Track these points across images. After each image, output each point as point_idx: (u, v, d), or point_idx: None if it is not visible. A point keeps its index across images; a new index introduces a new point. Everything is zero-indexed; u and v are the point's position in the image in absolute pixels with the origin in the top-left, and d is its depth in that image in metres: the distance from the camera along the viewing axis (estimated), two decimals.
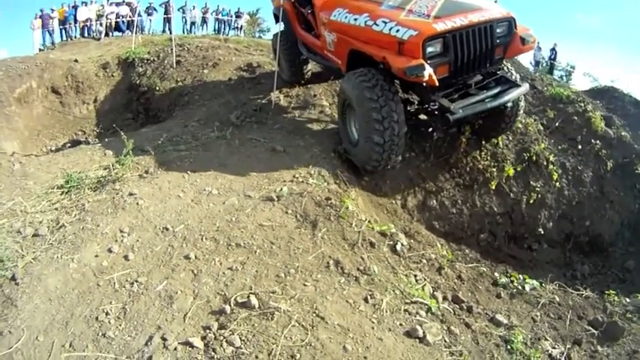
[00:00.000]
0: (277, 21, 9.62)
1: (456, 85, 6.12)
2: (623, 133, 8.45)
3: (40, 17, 17.88)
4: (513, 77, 6.66)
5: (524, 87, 6.35)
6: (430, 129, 6.61)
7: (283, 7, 9.04)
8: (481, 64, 5.96)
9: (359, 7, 6.34)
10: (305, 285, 3.81)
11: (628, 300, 4.75)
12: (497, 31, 5.87)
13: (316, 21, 7.63)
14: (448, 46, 5.50)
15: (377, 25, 5.79)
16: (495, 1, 6.63)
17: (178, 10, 21.91)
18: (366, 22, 5.99)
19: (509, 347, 3.70)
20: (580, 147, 7.92)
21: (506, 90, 6.12)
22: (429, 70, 5.19)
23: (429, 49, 5.40)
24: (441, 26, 5.42)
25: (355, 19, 6.20)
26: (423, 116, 6.67)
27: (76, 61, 14.02)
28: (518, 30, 6.05)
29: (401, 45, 5.43)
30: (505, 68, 6.81)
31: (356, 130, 6.41)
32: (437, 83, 5.37)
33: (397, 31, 5.50)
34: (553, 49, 20.19)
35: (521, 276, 4.97)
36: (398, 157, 6.16)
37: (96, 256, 4.16)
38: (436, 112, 6.19)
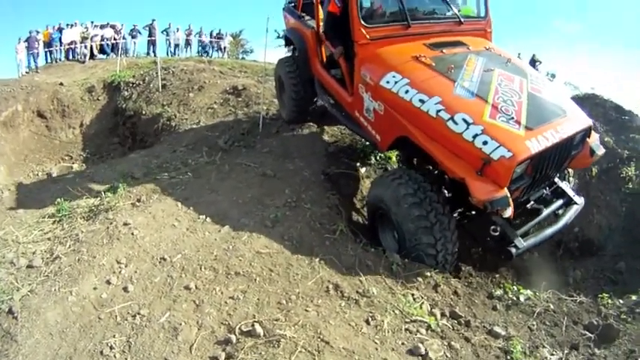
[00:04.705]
0: (287, 45, 8.72)
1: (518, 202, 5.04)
2: (606, 139, 8.57)
3: (27, 40, 17.86)
4: (571, 185, 5.90)
5: (581, 203, 5.52)
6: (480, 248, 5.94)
7: (301, 33, 7.78)
8: (549, 179, 5.31)
9: (427, 85, 4.96)
10: (307, 310, 3.84)
11: (621, 301, 4.77)
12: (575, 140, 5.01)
13: (351, 73, 6.03)
14: (529, 168, 4.55)
15: (455, 123, 4.50)
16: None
17: (162, 32, 22.02)
18: (438, 112, 4.64)
19: (508, 358, 3.72)
20: None
21: (564, 206, 5.44)
22: (511, 204, 4.24)
23: (514, 171, 4.29)
24: (534, 146, 4.32)
25: (421, 101, 4.80)
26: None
27: (61, 84, 14.09)
28: (590, 139, 5.27)
29: (486, 164, 4.24)
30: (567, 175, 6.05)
31: (394, 244, 5.23)
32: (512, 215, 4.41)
33: (484, 143, 4.30)
34: (533, 60, 20.22)
35: (515, 287, 5.00)
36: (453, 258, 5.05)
37: (94, 288, 4.14)
38: (492, 233, 4.74)
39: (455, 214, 5.07)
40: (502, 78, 5.11)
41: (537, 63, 19.60)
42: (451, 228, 4.80)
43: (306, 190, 6.12)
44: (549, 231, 5.05)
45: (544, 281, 5.43)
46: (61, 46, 19.14)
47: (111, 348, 3.47)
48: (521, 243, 4.69)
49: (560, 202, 5.46)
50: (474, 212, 5.16)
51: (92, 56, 19.36)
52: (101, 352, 3.43)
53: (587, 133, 5.16)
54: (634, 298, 4.77)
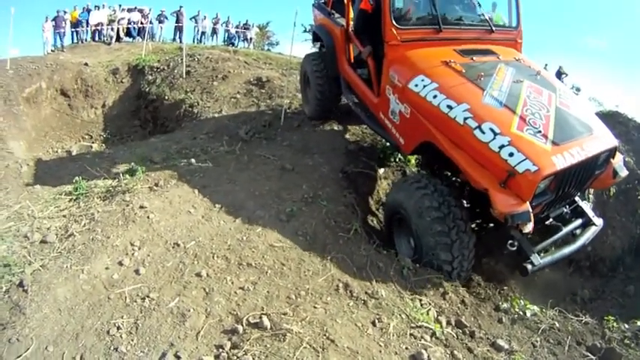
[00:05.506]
0: (315, 41, 8.63)
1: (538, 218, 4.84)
2: (626, 159, 8.46)
3: (54, 19, 17.99)
4: (590, 205, 5.81)
5: (599, 224, 5.45)
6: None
7: (330, 30, 7.70)
8: (571, 197, 5.24)
9: (455, 91, 4.86)
10: (315, 307, 3.85)
11: (627, 326, 4.71)
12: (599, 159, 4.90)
13: (379, 73, 5.94)
14: (552, 184, 4.47)
15: (482, 132, 4.42)
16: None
17: (190, 19, 22.09)
18: (465, 119, 4.56)
19: None
20: None
21: (582, 226, 5.37)
22: (532, 220, 4.17)
23: (538, 186, 4.23)
24: (560, 162, 4.24)
25: (449, 107, 4.71)
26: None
27: (86, 64, 14.22)
28: (614, 160, 5.16)
29: (510, 176, 4.17)
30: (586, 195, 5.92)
31: (409, 250, 5.24)
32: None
33: (510, 155, 4.21)
34: (559, 72, 19.95)
35: (522, 301, 4.97)
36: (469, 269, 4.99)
37: (106, 268, 4.16)
38: (509, 247, 4.60)
39: (472, 225, 5.02)
40: (531, 90, 5.03)
41: (563, 75, 19.32)
42: (470, 247, 4.76)
43: (323, 187, 6.14)
44: (566, 250, 5.01)
45: (552, 297, 5.39)
46: (87, 27, 19.29)
47: (118, 328, 3.49)
48: (538, 260, 4.62)
49: (579, 221, 5.38)
50: (492, 224, 5.11)
51: (118, 39, 19.52)
52: (108, 332, 3.45)
53: (611, 153, 5.06)
54: (639, 323, 4.72)
